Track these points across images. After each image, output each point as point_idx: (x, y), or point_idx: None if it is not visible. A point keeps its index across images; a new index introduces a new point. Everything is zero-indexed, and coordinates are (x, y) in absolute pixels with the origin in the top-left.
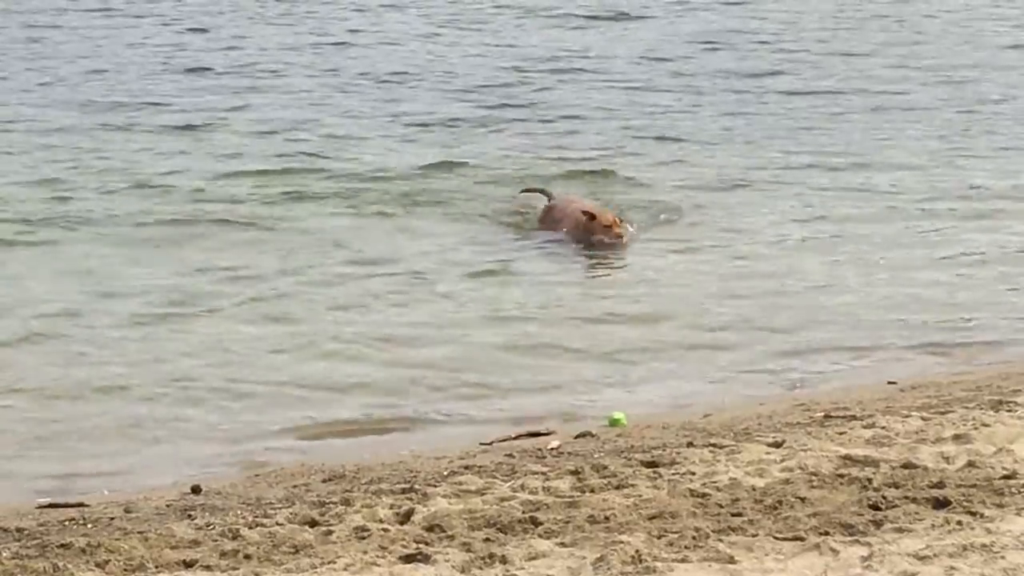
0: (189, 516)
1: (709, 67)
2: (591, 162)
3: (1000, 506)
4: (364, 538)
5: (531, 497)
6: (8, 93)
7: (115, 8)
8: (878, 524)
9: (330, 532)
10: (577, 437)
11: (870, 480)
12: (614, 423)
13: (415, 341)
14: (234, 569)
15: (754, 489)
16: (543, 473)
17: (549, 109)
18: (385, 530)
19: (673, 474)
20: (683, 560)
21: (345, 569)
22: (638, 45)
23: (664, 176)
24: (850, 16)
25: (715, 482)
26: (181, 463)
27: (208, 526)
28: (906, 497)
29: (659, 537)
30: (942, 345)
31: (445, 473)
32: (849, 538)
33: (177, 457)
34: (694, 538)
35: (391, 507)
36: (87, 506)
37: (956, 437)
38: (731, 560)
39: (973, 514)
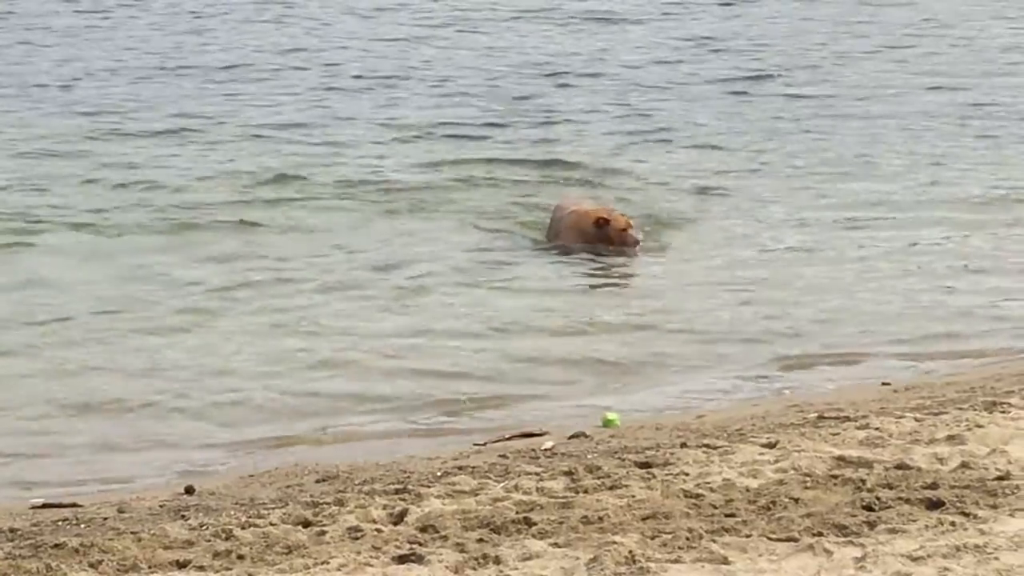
0: (183, 516)
1: (703, 71)
2: (584, 168)
3: (993, 507)
4: (358, 538)
5: (525, 497)
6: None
7: (107, 9)
8: (872, 525)
9: (323, 532)
10: (571, 438)
11: (864, 481)
12: (608, 424)
13: (411, 345)
14: (227, 569)
15: (748, 490)
16: (537, 474)
17: (545, 112)
18: (379, 530)
19: (667, 475)
20: (676, 561)
21: (339, 569)
22: (632, 48)
23: (658, 181)
24: (845, 20)
25: (709, 483)
26: (175, 464)
27: (202, 526)
28: (900, 498)
29: (653, 538)
30: (936, 347)
31: (439, 474)
32: (843, 539)
33: (171, 458)
34: (688, 539)
35: (384, 507)
36: (80, 506)
37: (950, 438)
38: (725, 561)
39: (967, 515)
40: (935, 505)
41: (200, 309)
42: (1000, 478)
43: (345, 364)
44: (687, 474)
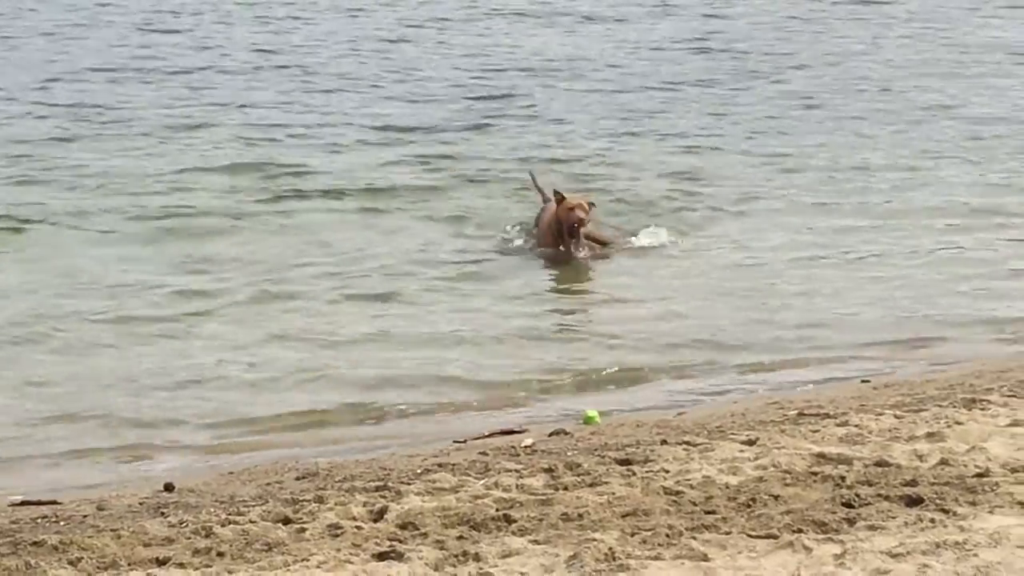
0: (162, 514)
1: (691, 70)
2: (570, 169)
3: (973, 504)
4: (337, 536)
5: (505, 495)
6: None
7: (84, 8)
8: (851, 522)
9: (303, 530)
10: (551, 435)
11: (843, 478)
12: (588, 421)
13: (390, 342)
14: (207, 567)
15: (727, 487)
16: (517, 471)
17: (531, 112)
18: (358, 528)
19: (647, 472)
20: (656, 558)
21: (318, 567)
22: (619, 47)
23: (644, 181)
24: (834, 18)
25: (688, 480)
26: (154, 460)
27: (181, 524)
28: (879, 495)
29: (632, 535)
30: (915, 344)
31: (419, 471)
32: (822, 536)
33: (151, 454)
34: (667, 536)
35: (364, 505)
36: (60, 504)
37: (929, 435)
38: (704, 558)
39: (946, 512)
40: (914, 502)
41: (180, 308)
42: (979, 475)
43: (327, 359)
44: (667, 471)
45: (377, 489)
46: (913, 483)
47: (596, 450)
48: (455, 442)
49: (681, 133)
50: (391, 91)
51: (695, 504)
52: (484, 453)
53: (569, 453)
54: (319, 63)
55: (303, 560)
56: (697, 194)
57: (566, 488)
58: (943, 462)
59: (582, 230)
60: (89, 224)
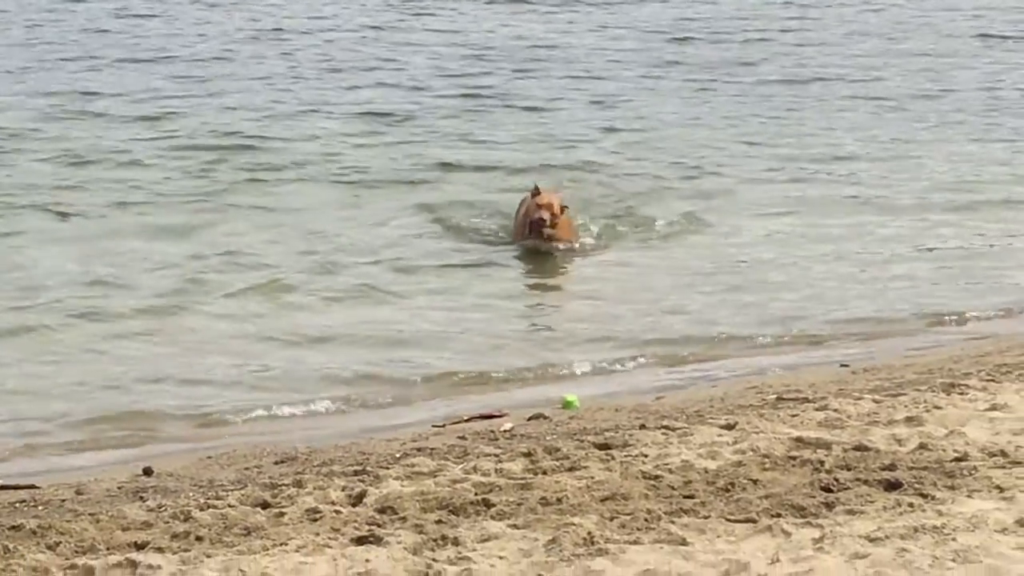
0: (141, 498)
1: (674, 56)
2: (550, 159)
3: (951, 488)
4: (316, 520)
5: (483, 479)
6: None
7: None
8: (830, 506)
9: (282, 514)
10: (530, 419)
11: (822, 462)
12: (567, 405)
13: (368, 329)
14: (185, 551)
15: (706, 471)
16: (496, 455)
17: (512, 99)
18: (337, 512)
19: (625, 456)
20: (635, 542)
21: (297, 551)
22: (600, 33)
23: (625, 172)
24: (820, 3)
25: (667, 464)
26: (133, 444)
27: (160, 508)
28: (858, 479)
29: (611, 519)
30: (894, 329)
31: (397, 455)
32: (801, 520)
33: (129, 438)
34: (646, 520)
35: (343, 489)
36: (38, 488)
37: (908, 419)
38: (683, 542)
39: (925, 496)
40: (893, 486)
41: (162, 291)
42: (958, 459)
43: (305, 345)
44: (646, 456)
45: (356, 473)
46: (892, 467)
47: (575, 434)
48: (434, 426)
49: (661, 121)
50: (372, 77)
51: (674, 488)
52: (463, 437)
53: (548, 437)
54: (300, 50)
55: (282, 544)
56: (678, 184)
57: (545, 472)
58: (922, 446)
59: (547, 231)
60: (71, 207)
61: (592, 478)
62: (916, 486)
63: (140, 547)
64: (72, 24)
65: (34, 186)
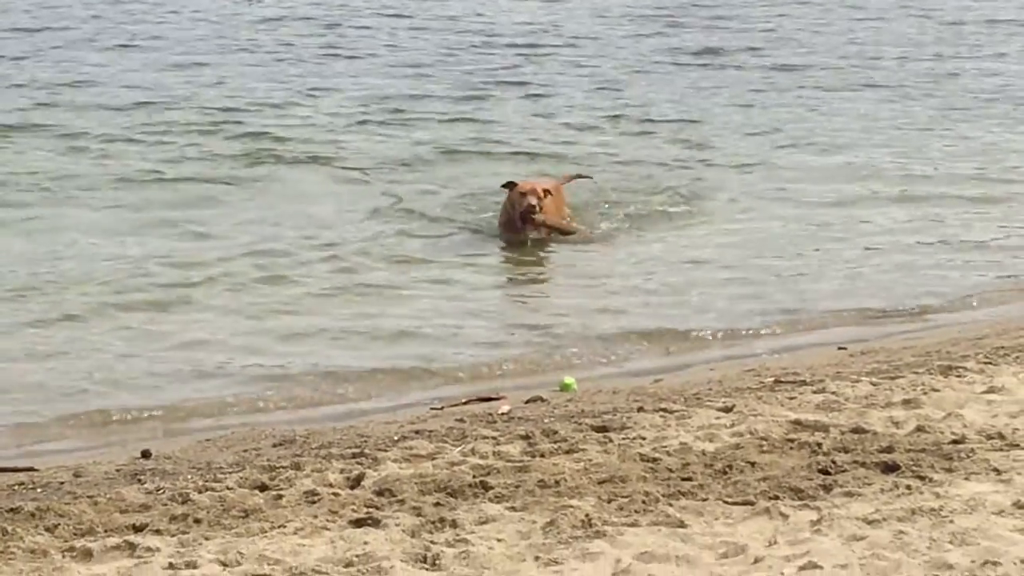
0: (139, 480)
1: (670, 44)
2: (548, 147)
3: (949, 471)
4: (314, 502)
5: (481, 462)
6: None
7: None
8: (827, 488)
9: (280, 496)
10: (528, 402)
11: (820, 445)
12: (565, 388)
13: (370, 313)
14: (184, 533)
15: (704, 454)
16: (494, 438)
17: (513, 85)
18: (335, 494)
19: (623, 439)
20: (633, 524)
21: (295, 533)
22: (601, 18)
23: (630, 154)
24: None
25: (665, 447)
26: (131, 426)
27: (158, 490)
28: (855, 462)
29: (609, 501)
30: (892, 312)
31: (395, 438)
32: (799, 502)
33: (127, 419)
34: (644, 502)
35: (341, 471)
36: (36, 471)
37: (905, 402)
38: (681, 524)
39: (922, 479)
40: (891, 469)
41: (164, 278)
42: (955, 442)
43: (301, 330)
44: (644, 438)
45: (354, 456)
46: (889, 450)
47: (573, 417)
48: (432, 409)
49: (663, 107)
50: (373, 63)
51: (672, 471)
52: (461, 420)
53: (546, 420)
54: (303, 36)
55: (280, 527)
56: (679, 170)
57: (543, 455)
58: (919, 429)
59: (538, 217)
60: (68, 194)
61: (590, 461)
62: (914, 468)
63: (138, 529)
64: (68, 11)
65: (34, 172)
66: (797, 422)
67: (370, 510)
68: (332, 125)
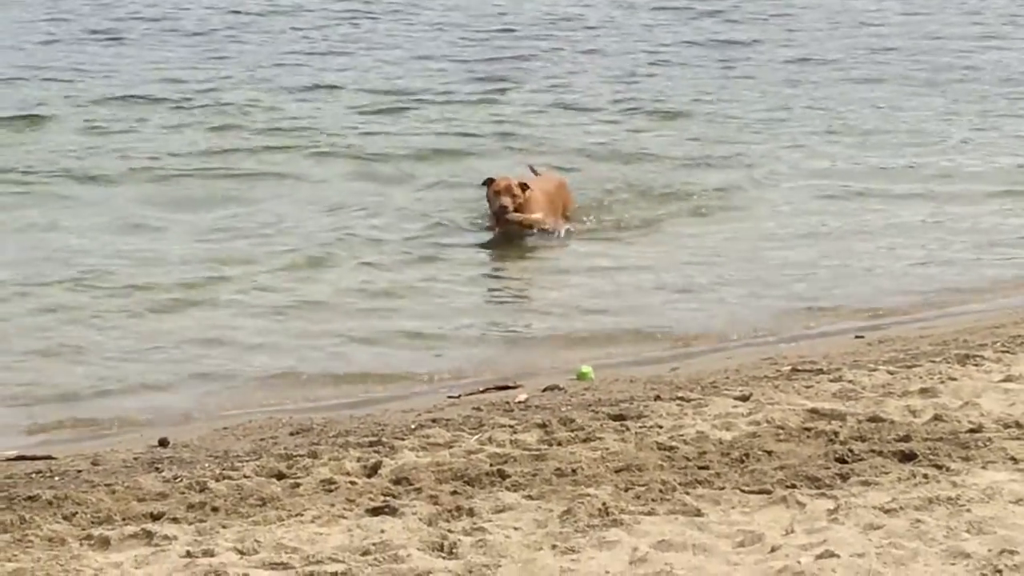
0: (156, 469)
1: (697, 31)
2: (551, 140)
3: (966, 459)
4: (331, 491)
5: (498, 450)
6: None
7: None
8: (844, 477)
9: (297, 485)
10: (544, 391)
11: (837, 433)
12: (582, 377)
13: (383, 301)
14: (201, 521)
15: (721, 442)
16: (510, 426)
17: (531, 75)
18: (352, 483)
19: (640, 427)
20: (650, 513)
21: (312, 521)
22: (615, 8)
23: (649, 146)
24: None
25: (682, 435)
26: (149, 415)
27: (175, 479)
28: (872, 450)
29: (626, 490)
30: (910, 301)
31: (412, 426)
32: (815, 491)
33: (146, 409)
34: (661, 491)
35: (358, 460)
36: (54, 459)
37: (923, 391)
38: (698, 513)
39: (939, 467)
40: (908, 458)
41: (184, 271)
42: (972, 431)
43: (319, 317)
44: (661, 427)
45: (371, 444)
46: (906, 439)
47: (590, 406)
48: (449, 397)
49: (682, 98)
50: (390, 55)
51: (688, 459)
52: (478, 408)
53: (563, 409)
54: (322, 27)
55: (297, 515)
56: (698, 161)
57: (560, 443)
58: (936, 418)
59: (512, 217)
60: (81, 183)
61: (607, 449)
62: (931, 457)
63: (156, 518)
64: (76, 3)
65: (59, 154)
66: (814, 411)
67: (387, 498)
68: (351, 116)
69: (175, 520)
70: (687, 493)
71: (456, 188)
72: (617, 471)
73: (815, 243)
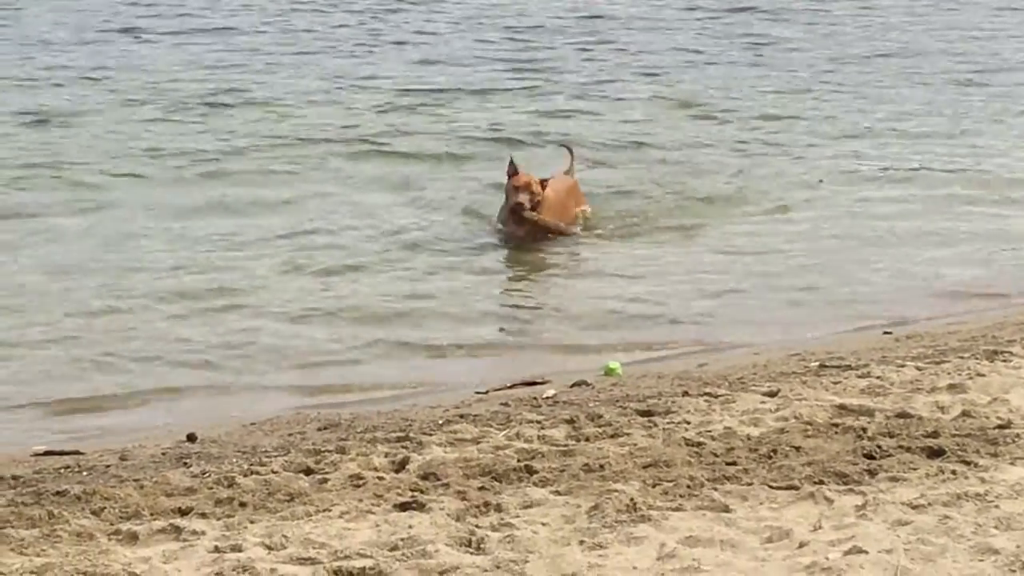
0: (185, 464)
1: (728, 27)
2: (600, 126)
3: (994, 455)
4: (359, 486)
5: (526, 446)
6: None
7: None
8: (872, 473)
9: (325, 480)
10: (572, 386)
11: (865, 429)
12: (609, 372)
13: (409, 300)
14: (229, 516)
15: (749, 438)
16: (538, 422)
17: (550, 76)
18: (380, 478)
19: (668, 423)
20: (678, 509)
21: (340, 517)
22: (647, 4)
23: (680, 143)
24: None
25: (710, 431)
26: (178, 411)
27: (204, 474)
28: (900, 446)
29: (654, 486)
30: (938, 296)
31: (440, 422)
32: (843, 487)
33: (174, 404)
34: (689, 487)
35: (386, 455)
36: (83, 454)
37: (951, 387)
38: (725, 509)
39: (967, 463)
40: (936, 453)
41: (219, 266)
42: (1001, 427)
43: (346, 314)
44: (688, 422)
45: (399, 440)
46: (935, 435)
47: (618, 401)
48: (477, 393)
49: (713, 95)
50: (423, 50)
51: (716, 455)
52: (506, 404)
53: (591, 404)
54: (349, 26)
55: (325, 510)
56: (728, 159)
57: (587, 439)
58: (965, 414)
59: (528, 215)
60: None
61: (635, 445)
62: (959, 453)
63: (184, 513)
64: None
65: (87, 160)
66: (842, 407)
67: (415, 494)
68: (382, 114)
69: (203, 515)
70: (715, 489)
71: (489, 186)
72: (645, 467)
73: (847, 242)
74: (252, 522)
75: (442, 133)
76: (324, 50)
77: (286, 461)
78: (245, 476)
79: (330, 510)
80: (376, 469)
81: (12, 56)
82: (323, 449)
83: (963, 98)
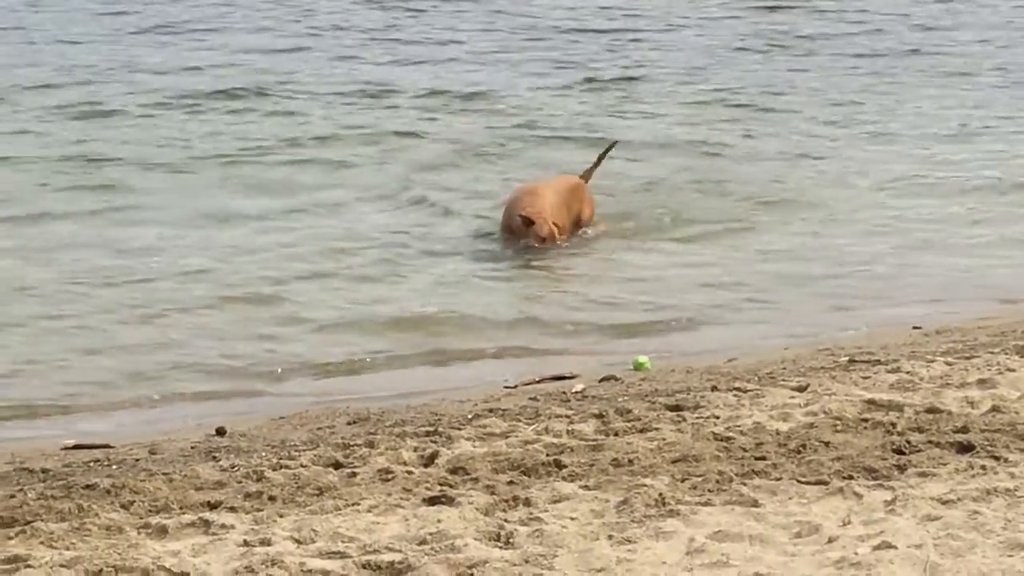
0: (214, 458)
1: (765, 26)
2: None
3: None
4: (388, 480)
5: (555, 440)
6: None
7: None
8: (902, 468)
9: (354, 474)
10: (601, 381)
11: (894, 424)
12: (638, 367)
13: (434, 296)
14: (258, 510)
15: (778, 433)
16: (567, 416)
17: (595, 71)
18: (409, 472)
19: (697, 418)
20: (706, 503)
21: (369, 511)
22: (685, 2)
23: (715, 145)
24: None
25: (739, 426)
26: (207, 405)
27: (233, 468)
28: (930, 442)
29: (683, 480)
30: (967, 291)
31: (469, 416)
32: (873, 482)
33: (202, 399)
34: (718, 481)
35: (415, 450)
36: (112, 447)
37: (981, 382)
38: (755, 504)
39: (997, 459)
40: (965, 449)
41: (250, 266)
42: None
43: (377, 308)
44: (717, 417)
45: (428, 434)
46: (964, 430)
47: (646, 396)
48: (505, 387)
49: (751, 92)
50: (458, 48)
51: (745, 450)
52: (535, 399)
53: (619, 399)
54: (380, 28)
55: (354, 504)
56: (766, 161)
57: (616, 434)
58: (994, 409)
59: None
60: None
61: (663, 440)
62: (989, 449)
63: (213, 507)
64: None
65: (118, 157)
66: (871, 402)
67: (444, 488)
68: (419, 111)
69: (232, 509)
70: (744, 484)
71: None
72: (674, 461)
73: (878, 238)
74: (281, 516)
75: (473, 133)
76: (357, 51)
77: (315, 455)
78: (274, 470)
79: (359, 504)
80: (405, 463)
81: (48, 54)
82: (352, 443)
83: (1016, 100)
